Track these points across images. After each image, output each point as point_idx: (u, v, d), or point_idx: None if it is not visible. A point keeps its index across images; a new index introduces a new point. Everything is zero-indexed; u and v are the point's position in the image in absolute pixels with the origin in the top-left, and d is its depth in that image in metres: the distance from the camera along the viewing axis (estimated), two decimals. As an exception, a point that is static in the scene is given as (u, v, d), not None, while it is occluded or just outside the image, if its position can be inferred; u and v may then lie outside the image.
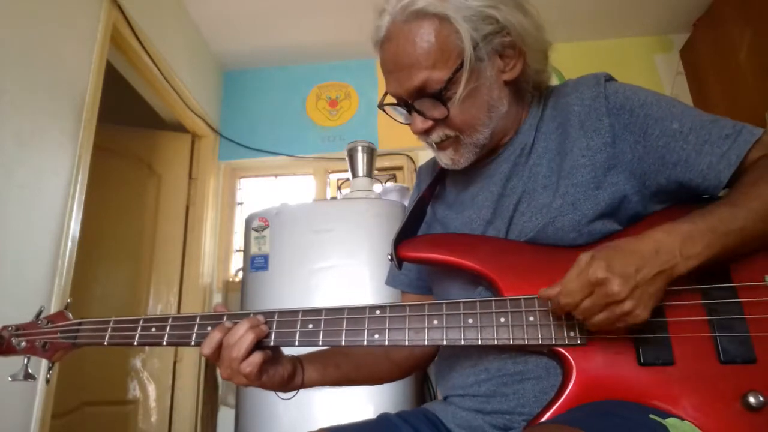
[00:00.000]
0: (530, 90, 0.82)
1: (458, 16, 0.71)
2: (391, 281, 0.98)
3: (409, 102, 0.75)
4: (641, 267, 0.58)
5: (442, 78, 0.71)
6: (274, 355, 0.76)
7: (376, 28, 0.76)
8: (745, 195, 0.63)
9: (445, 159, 0.79)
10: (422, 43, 0.71)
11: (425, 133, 0.77)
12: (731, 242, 0.61)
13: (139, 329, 0.77)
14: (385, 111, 0.82)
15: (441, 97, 0.72)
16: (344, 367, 0.85)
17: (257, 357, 0.71)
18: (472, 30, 0.71)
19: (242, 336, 0.70)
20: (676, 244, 0.59)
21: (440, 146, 0.79)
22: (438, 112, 0.74)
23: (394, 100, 0.78)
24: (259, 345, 0.72)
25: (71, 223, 1.64)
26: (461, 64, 0.71)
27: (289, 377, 0.78)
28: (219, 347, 0.71)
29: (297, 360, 0.81)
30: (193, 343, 0.75)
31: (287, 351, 0.80)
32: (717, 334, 0.61)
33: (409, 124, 0.78)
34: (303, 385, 0.81)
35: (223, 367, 0.72)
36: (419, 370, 0.90)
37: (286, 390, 0.80)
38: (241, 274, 2.27)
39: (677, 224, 0.61)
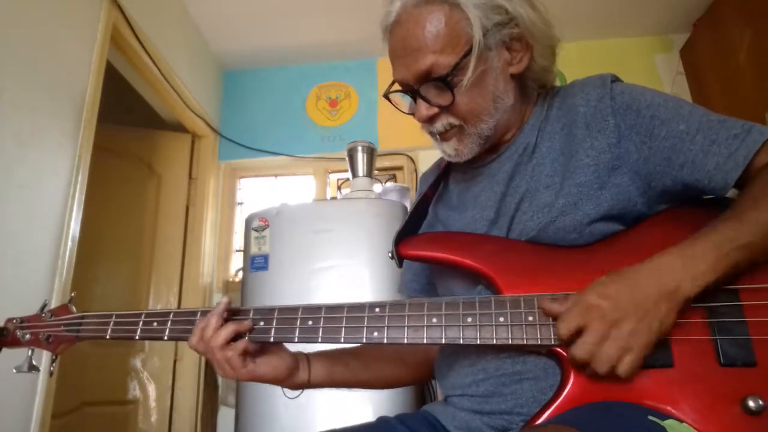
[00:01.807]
0: (535, 88, 0.82)
1: (468, 2, 0.71)
2: (403, 288, 0.97)
3: (415, 88, 0.75)
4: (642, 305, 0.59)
5: (450, 63, 0.71)
6: (271, 348, 0.78)
7: (386, 13, 0.76)
8: (753, 206, 0.62)
9: (449, 150, 0.79)
10: (431, 28, 0.71)
11: (429, 121, 0.77)
12: (738, 259, 0.60)
13: (141, 323, 0.78)
14: (389, 100, 0.82)
15: (447, 82, 0.72)
16: (353, 367, 0.84)
17: (241, 344, 0.73)
18: (482, 17, 0.71)
19: (210, 321, 0.74)
20: (678, 266, 0.59)
21: (444, 137, 0.78)
22: (443, 99, 0.74)
23: (399, 88, 0.78)
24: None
25: (71, 223, 1.64)
26: (469, 50, 0.71)
27: (289, 370, 0.78)
28: (202, 338, 0.74)
29: (304, 356, 0.81)
30: None
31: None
32: (717, 337, 0.60)
33: (413, 114, 0.78)
34: (310, 382, 0.81)
35: (210, 359, 0.75)
36: (434, 376, 0.88)
37: (290, 385, 0.80)
38: (241, 274, 2.27)
39: (682, 247, 0.61)
